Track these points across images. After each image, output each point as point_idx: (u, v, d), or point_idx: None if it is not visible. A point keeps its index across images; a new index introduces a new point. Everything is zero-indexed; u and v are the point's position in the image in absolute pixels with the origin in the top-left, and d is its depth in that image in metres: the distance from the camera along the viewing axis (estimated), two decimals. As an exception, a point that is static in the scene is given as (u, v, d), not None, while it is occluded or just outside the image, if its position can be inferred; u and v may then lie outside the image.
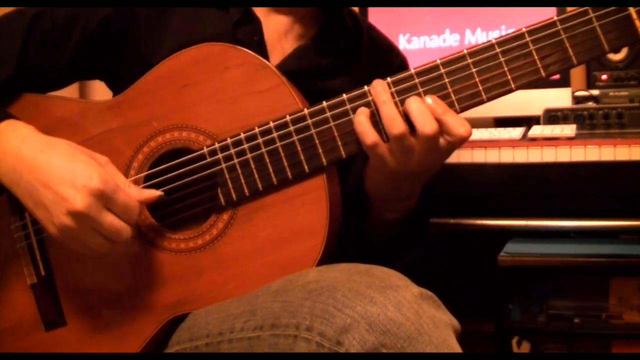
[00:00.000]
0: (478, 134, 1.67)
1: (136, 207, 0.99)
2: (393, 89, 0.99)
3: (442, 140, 0.97)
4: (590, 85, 1.93)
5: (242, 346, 0.93)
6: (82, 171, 0.97)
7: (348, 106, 1.01)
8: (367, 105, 1.00)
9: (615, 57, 1.84)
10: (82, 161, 0.99)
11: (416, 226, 1.18)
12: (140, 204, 1.01)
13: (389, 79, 1.00)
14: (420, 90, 0.99)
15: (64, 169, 0.98)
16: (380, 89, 0.99)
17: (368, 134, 0.98)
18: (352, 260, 0.96)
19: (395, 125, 0.96)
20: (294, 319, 0.88)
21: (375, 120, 0.99)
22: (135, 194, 1.01)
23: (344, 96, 1.01)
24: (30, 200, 1.00)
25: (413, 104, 0.97)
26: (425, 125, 0.95)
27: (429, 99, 0.97)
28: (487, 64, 0.98)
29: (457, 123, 0.96)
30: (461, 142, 0.97)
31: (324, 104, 1.01)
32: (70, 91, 1.29)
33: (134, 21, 1.16)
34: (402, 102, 0.98)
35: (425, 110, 0.96)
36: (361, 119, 0.99)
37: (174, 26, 1.16)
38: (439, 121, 0.96)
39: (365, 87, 1.01)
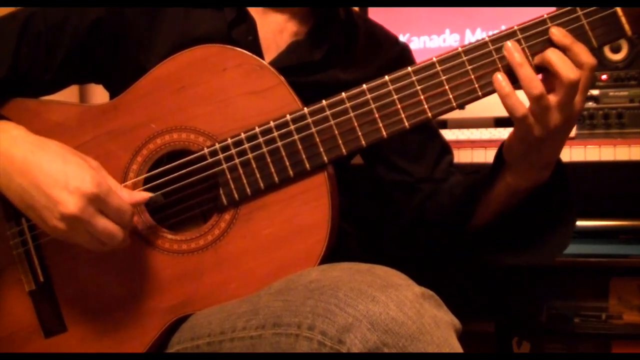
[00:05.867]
0: (478, 134, 1.67)
1: (129, 209, 0.99)
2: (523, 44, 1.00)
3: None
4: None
5: (244, 345, 0.93)
6: (75, 174, 0.96)
7: (347, 104, 1.01)
8: (366, 103, 1.01)
9: (615, 57, 1.84)
10: (74, 163, 0.98)
11: (552, 205, 1.13)
12: (132, 207, 1.00)
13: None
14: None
15: (56, 171, 0.97)
16: (514, 52, 0.98)
17: (518, 107, 0.98)
18: (354, 260, 0.96)
19: (534, 85, 0.96)
20: (295, 317, 0.88)
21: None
22: (127, 197, 1.00)
23: (343, 95, 1.01)
24: (22, 203, 0.99)
25: (553, 55, 0.96)
26: (570, 72, 0.95)
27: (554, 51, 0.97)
28: (480, 62, 1.00)
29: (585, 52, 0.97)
30: (591, 71, 0.97)
31: (324, 102, 1.02)
32: (70, 94, 1.29)
33: (125, 23, 1.15)
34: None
35: (565, 58, 0.96)
36: (510, 92, 0.98)
37: (166, 27, 1.16)
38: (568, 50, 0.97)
39: (364, 86, 1.01)
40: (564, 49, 0.97)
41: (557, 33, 0.97)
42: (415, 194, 1.27)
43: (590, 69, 0.97)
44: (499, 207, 1.13)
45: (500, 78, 0.98)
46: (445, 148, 1.32)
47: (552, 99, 0.97)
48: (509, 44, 0.98)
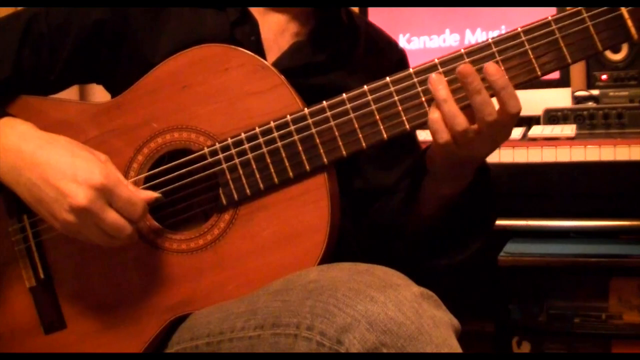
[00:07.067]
0: (478, 134, 1.67)
1: (139, 202, 0.98)
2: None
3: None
4: (590, 85, 1.94)
5: (243, 345, 0.93)
6: (84, 166, 0.97)
7: (348, 105, 1.01)
8: (367, 104, 1.01)
9: (615, 57, 1.84)
10: (82, 157, 0.98)
11: (475, 206, 1.15)
12: (144, 201, 1.00)
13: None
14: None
15: (64, 164, 0.97)
16: (440, 87, 0.97)
17: (442, 134, 0.98)
18: (354, 259, 0.96)
19: (457, 122, 0.96)
20: (294, 318, 0.88)
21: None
22: (135, 192, 1.00)
23: (344, 96, 1.01)
24: (31, 197, 0.99)
25: (477, 99, 0.96)
26: (488, 116, 0.96)
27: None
28: (482, 63, 0.98)
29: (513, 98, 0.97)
30: (514, 118, 0.98)
31: (324, 103, 1.01)
32: (70, 94, 1.29)
33: (129, 23, 1.15)
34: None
35: (490, 102, 0.96)
36: (436, 117, 0.98)
37: (170, 27, 1.16)
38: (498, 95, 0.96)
39: (365, 87, 1.01)
40: (499, 89, 0.96)
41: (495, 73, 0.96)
42: (372, 202, 1.27)
43: (515, 116, 0.97)
44: (428, 212, 1.15)
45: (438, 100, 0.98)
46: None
47: (474, 130, 0.97)
48: (433, 76, 0.98)
